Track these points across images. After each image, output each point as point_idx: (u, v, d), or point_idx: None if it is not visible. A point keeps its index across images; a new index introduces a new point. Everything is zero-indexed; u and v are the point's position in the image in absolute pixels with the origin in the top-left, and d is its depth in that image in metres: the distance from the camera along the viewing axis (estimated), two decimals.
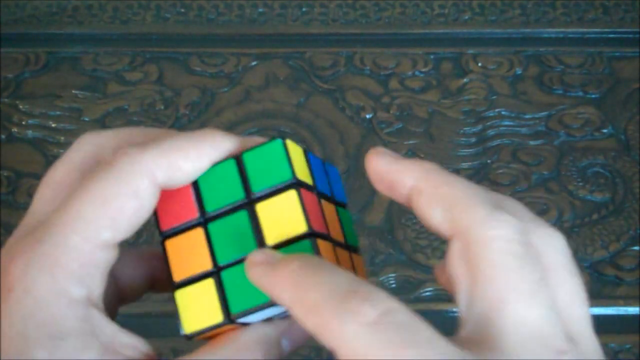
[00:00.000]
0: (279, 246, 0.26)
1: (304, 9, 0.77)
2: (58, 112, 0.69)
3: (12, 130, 0.68)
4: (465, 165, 0.66)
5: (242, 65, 0.72)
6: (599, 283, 0.59)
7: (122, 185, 0.26)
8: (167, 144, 0.26)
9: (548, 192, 0.64)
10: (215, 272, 0.27)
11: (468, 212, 0.24)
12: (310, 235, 0.26)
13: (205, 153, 0.27)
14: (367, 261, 0.60)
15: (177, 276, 0.27)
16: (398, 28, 0.75)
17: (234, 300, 0.26)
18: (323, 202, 0.29)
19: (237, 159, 0.28)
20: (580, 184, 0.64)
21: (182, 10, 0.77)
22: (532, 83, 0.71)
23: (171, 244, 0.27)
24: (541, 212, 0.62)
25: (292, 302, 0.23)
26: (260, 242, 0.27)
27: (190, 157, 0.27)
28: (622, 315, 0.58)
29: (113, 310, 0.29)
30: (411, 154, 0.66)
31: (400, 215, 0.62)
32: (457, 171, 0.65)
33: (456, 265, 0.24)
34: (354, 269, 0.29)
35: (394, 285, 0.59)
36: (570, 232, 0.62)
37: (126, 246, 0.27)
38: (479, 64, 0.72)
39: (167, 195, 0.27)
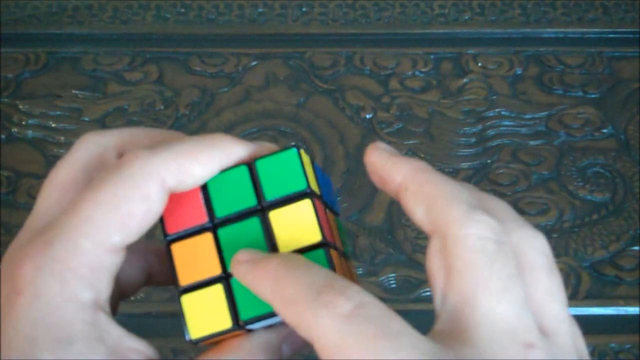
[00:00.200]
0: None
1: (304, 9, 0.77)
2: (58, 112, 0.69)
3: (12, 130, 0.68)
4: (465, 165, 0.66)
5: (242, 65, 0.72)
6: (599, 283, 0.59)
7: (132, 189, 0.26)
8: (177, 147, 0.27)
9: (548, 192, 0.64)
10: (224, 278, 0.27)
11: (447, 210, 0.25)
12: (324, 244, 0.26)
13: (216, 157, 0.27)
14: (367, 261, 0.60)
15: (184, 281, 0.27)
16: (398, 28, 0.75)
17: (244, 307, 0.26)
18: (327, 211, 0.29)
19: (250, 165, 0.27)
20: (580, 184, 0.64)
21: (182, 10, 0.77)
22: (532, 83, 0.71)
23: (177, 248, 0.27)
24: (541, 212, 0.62)
25: (273, 297, 0.24)
26: (272, 249, 0.27)
27: (201, 161, 0.27)
28: (622, 315, 0.58)
29: (113, 307, 0.29)
30: (411, 153, 0.66)
31: (400, 215, 0.62)
32: (457, 171, 0.65)
33: (433, 262, 0.25)
34: (350, 275, 0.29)
35: (394, 285, 0.59)
36: (570, 232, 0.62)
37: None
38: (479, 64, 0.72)
39: (174, 198, 0.27)
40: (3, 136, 0.67)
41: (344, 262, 0.29)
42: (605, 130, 0.68)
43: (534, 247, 0.25)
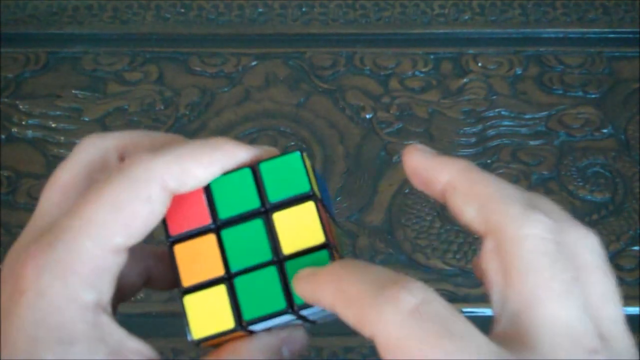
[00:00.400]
0: (295, 255, 0.27)
1: (304, 9, 0.77)
2: (58, 112, 0.69)
3: (12, 130, 0.68)
4: None
5: (242, 65, 0.72)
6: None
7: (134, 191, 0.26)
8: (179, 149, 0.27)
9: (548, 192, 0.64)
10: (227, 279, 0.27)
11: (501, 210, 0.24)
12: (327, 245, 0.26)
13: (218, 160, 0.27)
14: (367, 261, 0.60)
15: (186, 281, 0.27)
16: (398, 28, 0.75)
17: (247, 307, 0.26)
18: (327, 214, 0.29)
19: (253, 168, 0.28)
20: (580, 184, 0.64)
21: (182, 10, 0.77)
22: (532, 83, 0.71)
23: (180, 249, 0.27)
24: None
25: (334, 300, 0.24)
26: (275, 250, 0.27)
27: (202, 163, 0.27)
28: None
29: (113, 308, 0.29)
30: None
31: (400, 215, 0.62)
32: None
33: (490, 263, 0.24)
34: None
35: None
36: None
37: None
38: (479, 64, 0.72)
39: (176, 200, 0.27)
40: (3, 136, 0.67)
41: None
42: (605, 130, 0.68)
43: (588, 246, 0.25)
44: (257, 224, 0.27)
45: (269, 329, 0.28)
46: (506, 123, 0.68)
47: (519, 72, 0.72)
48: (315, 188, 0.28)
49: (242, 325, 0.26)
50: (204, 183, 0.27)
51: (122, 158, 0.29)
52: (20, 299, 0.25)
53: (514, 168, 0.65)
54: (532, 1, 0.77)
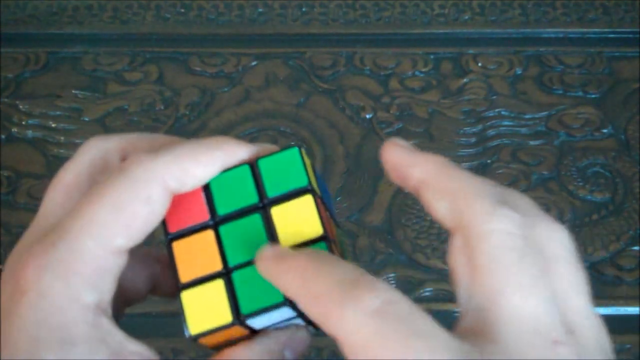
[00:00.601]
0: (293, 248, 0.26)
1: (304, 9, 0.77)
2: (58, 112, 0.69)
3: (12, 130, 0.68)
4: (465, 165, 0.66)
5: (242, 65, 0.72)
6: (599, 283, 0.59)
7: (135, 191, 0.26)
8: (178, 150, 0.27)
9: (548, 192, 0.64)
10: (225, 274, 0.27)
11: (470, 206, 0.24)
12: (325, 238, 0.26)
13: (217, 158, 0.27)
14: (367, 261, 0.60)
15: (184, 277, 0.27)
16: (398, 28, 0.75)
17: (245, 301, 0.26)
18: (329, 215, 0.29)
19: (252, 165, 0.28)
20: (580, 184, 0.64)
21: (182, 10, 0.77)
22: (532, 83, 0.71)
23: (178, 246, 0.27)
24: None
25: (299, 293, 0.24)
26: (270, 232, 0.27)
27: (202, 162, 0.27)
28: (622, 315, 0.58)
29: (118, 313, 0.29)
30: None
31: (400, 215, 0.62)
32: None
33: (456, 259, 0.24)
34: None
35: (394, 286, 0.59)
36: (570, 232, 0.61)
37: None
38: (479, 64, 0.72)
39: (176, 200, 0.27)
40: (3, 136, 0.67)
41: None
42: (605, 130, 0.68)
43: (557, 240, 0.25)
44: (255, 218, 0.27)
45: (270, 329, 0.28)
46: (506, 123, 0.68)
47: (519, 72, 0.72)
48: (315, 184, 0.28)
49: (240, 320, 0.26)
50: (203, 182, 0.28)
51: (124, 159, 0.29)
52: (22, 299, 0.25)
53: (514, 168, 0.65)
54: (532, 1, 0.77)
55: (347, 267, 0.24)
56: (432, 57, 0.73)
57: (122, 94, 0.70)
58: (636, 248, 0.61)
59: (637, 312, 0.58)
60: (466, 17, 0.76)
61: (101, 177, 0.28)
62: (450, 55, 0.73)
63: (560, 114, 0.69)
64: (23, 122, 0.68)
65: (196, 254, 0.27)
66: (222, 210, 0.27)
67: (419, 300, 0.58)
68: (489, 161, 0.66)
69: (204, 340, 0.27)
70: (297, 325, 0.29)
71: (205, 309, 0.26)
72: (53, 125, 0.68)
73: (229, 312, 0.26)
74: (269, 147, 0.29)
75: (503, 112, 0.69)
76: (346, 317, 0.22)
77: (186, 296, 0.27)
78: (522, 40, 0.74)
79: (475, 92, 0.70)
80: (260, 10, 0.77)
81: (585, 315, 0.24)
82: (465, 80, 0.71)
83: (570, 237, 0.26)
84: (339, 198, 0.63)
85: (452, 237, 0.25)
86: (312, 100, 0.70)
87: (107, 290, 0.26)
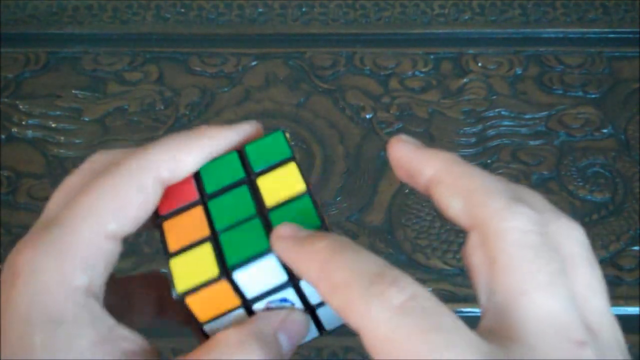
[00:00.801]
0: (279, 206, 0.27)
1: (304, 9, 0.77)
2: (58, 112, 0.69)
3: (12, 130, 0.68)
4: None
5: (242, 65, 0.72)
6: None
7: (128, 180, 0.27)
8: (168, 141, 0.28)
9: (548, 192, 0.64)
10: (213, 238, 0.27)
11: (485, 204, 0.24)
12: (309, 193, 0.27)
13: (206, 145, 0.28)
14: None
15: (173, 248, 0.27)
16: (398, 28, 0.75)
17: (231, 255, 0.26)
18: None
19: (239, 151, 0.29)
20: (580, 184, 0.64)
21: (182, 10, 0.77)
22: (532, 83, 0.71)
23: (168, 224, 0.28)
24: None
25: (319, 280, 0.24)
26: (259, 206, 0.27)
27: (192, 151, 0.28)
28: (622, 315, 0.58)
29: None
30: None
31: (400, 215, 0.62)
32: None
33: (475, 257, 0.24)
34: None
35: None
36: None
37: (126, 244, 0.28)
38: (479, 64, 0.72)
39: (168, 190, 0.28)
40: (3, 136, 0.67)
41: None
42: (605, 130, 0.68)
43: (574, 238, 0.25)
44: (242, 189, 0.28)
45: (265, 308, 0.27)
46: (506, 123, 0.68)
47: (519, 72, 0.72)
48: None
49: (227, 273, 0.26)
50: (194, 169, 0.28)
51: None
52: (15, 282, 0.25)
53: (514, 168, 0.65)
54: (532, 1, 0.77)
55: (370, 257, 0.24)
56: (432, 57, 0.73)
57: (122, 94, 0.70)
58: (636, 248, 0.61)
59: (637, 312, 0.58)
60: (466, 17, 0.76)
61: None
62: (450, 55, 0.73)
63: (560, 114, 0.69)
64: (23, 122, 0.68)
65: (185, 228, 0.27)
66: (210, 189, 0.28)
67: None
68: (489, 161, 0.66)
69: (192, 301, 0.26)
70: (292, 307, 0.28)
71: (192, 270, 0.26)
72: (53, 125, 0.68)
73: (216, 267, 0.26)
74: (253, 123, 0.30)
75: (503, 112, 0.69)
76: (369, 312, 0.22)
77: (174, 262, 0.27)
78: (522, 40, 0.74)
79: (475, 92, 0.70)
80: (260, 10, 0.77)
81: (603, 315, 0.24)
82: (465, 80, 0.71)
83: (585, 234, 0.25)
84: (339, 198, 0.63)
85: (468, 235, 0.25)
86: (312, 100, 0.70)
87: (98, 274, 0.26)
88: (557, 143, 0.67)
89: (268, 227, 0.27)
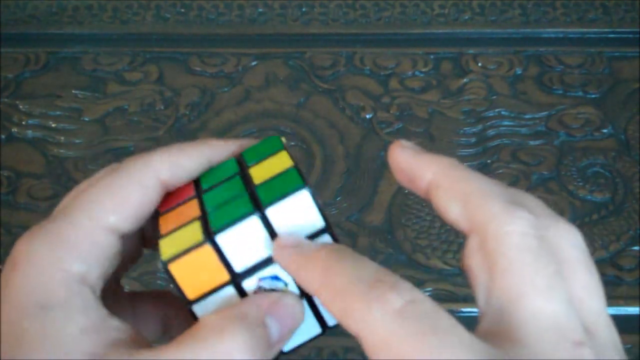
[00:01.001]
0: (267, 182, 0.27)
1: (304, 9, 0.77)
2: (58, 112, 0.69)
3: (12, 130, 0.68)
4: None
5: (242, 65, 0.72)
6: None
7: (130, 178, 0.28)
8: (171, 148, 0.29)
9: (548, 192, 0.64)
10: (203, 217, 0.27)
11: (484, 207, 0.24)
12: (296, 167, 0.27)
13: (205, 152, 0.29)
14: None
15: (164, 232, 0.28)
16: (398, 28, 0.75)
17: (215, 221, 0.27)
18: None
19: (237, 157, 0.30)
20: (580, 184, 0.64)
21: (182, 10, 0.77)
22: (532, 83, 0.71)
23: (164, 217, 0.28)
24: None
25: (320, 287, 0.24)
26: (248, 184, 0.28)
27: (192, 156, 0.29)
28: (622, 315, 0.58)
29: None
30: None
31: (400, 215, 0.62)
32: None
33: (474, 260, 0.24)
34: None
35: None
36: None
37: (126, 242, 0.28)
38: (479, 64, 0.72)
39: (169, 195, 0.29)
40: (3, 136, 0.67)
41: None
42: (605, 130, 0.68)
43: (571, 241, 0.25)
44: (235, 179, 0.29)
45: (257, 288, 0.27)
46: (506, 123, 0.68)
47: (519, 72, 0.72)
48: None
49: (210, 236, 0.26)
50: (193, 173, 0.29)
51: None
52: (14, 269, 0.25)
53: (514, 168, 0.65)
54: (532, 1, 0.77)
55: (370, 264, 0.24)
56: (432, 57, 0.73)
57: (122, 94, 0.70)
58: (636, 248, 0.61)
59: (637, 312, 0.58)
60: (466, 17, 0.76)
61: None
62: (450, 55, 0.73)
63: (560, 114, 0.69)
64: (23, 122, 0.68)
65: (178, 216, 0.28)
66: (206, 185, 0.29)
67: None
68: (489, 161, 0.66)
69: (177, 270, 0.26)
70: (285, 289, 0.27)
71: (179, 242, 0.27)
72: (53, 125, 0.68)
73: (200, 233, 0.26)
74: (253, 141, 0.31)
75: (503, 112, 0.69)
76: (369, 315, 0.22)
77: (163, 240, 0.27)
78: (522, 40, 0.74)
79: (475, 92, 0.70)
80: (260, 10, 0.77)
81: (601, 317, 0.25)
82: (465, 80, 0.71)
83: (582, 237, 0.26)
84: (339, 198, 0.63)
85: (467, 239, 0.25)
86: (312, 100, 0.70)
87: (95, 265, 0.26)
88: (557, 143, 0.67)
89: (255, 200, 0.27)
